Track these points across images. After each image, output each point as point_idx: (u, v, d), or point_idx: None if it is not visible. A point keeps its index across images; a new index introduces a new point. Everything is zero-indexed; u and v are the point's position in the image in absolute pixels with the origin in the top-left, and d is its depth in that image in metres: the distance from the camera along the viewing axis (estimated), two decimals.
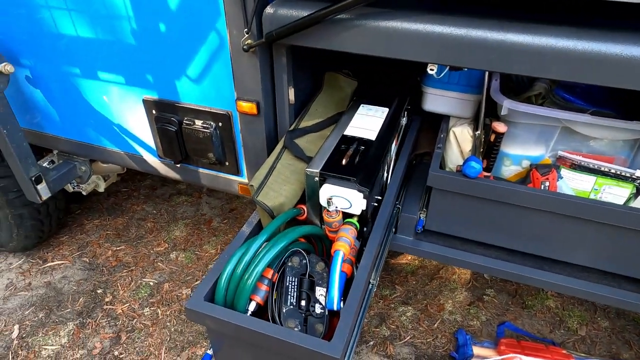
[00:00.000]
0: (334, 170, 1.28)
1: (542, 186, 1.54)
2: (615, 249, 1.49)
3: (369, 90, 1.76)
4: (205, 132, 1.61)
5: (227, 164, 1.73)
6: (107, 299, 2.62)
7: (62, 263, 2.86)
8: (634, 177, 1.47)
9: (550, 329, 2.45)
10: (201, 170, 1.81)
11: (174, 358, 2.31)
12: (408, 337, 2.41)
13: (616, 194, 1.53)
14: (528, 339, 2.36)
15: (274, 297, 1.16)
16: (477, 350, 2.27)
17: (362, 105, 1.62)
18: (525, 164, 1.65)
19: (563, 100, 1.52)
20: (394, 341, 2.40)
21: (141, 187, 3.55)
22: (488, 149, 1.61)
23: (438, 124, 1.92)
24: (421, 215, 1.72)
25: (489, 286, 2.73)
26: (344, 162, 1.32)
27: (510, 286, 2.71)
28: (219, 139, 1.65)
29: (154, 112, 1.70)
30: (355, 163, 1.32)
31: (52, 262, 2.87)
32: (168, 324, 2.48)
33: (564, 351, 2.19)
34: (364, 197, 1.23)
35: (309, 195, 1.34)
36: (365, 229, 1.28)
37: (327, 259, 1.39)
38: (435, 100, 1.83)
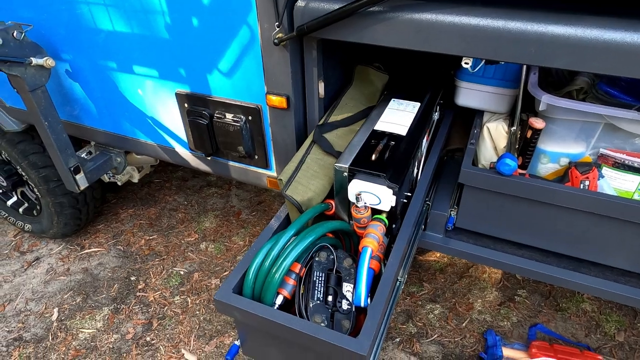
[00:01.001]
0: (363, 166, 1.26)
1: (582, 185, 1.48)
2: None
3: (400, 84, 1.73)
4: (235, 125, 1.63)
5: (256, 157, 1.74)
6: (139, 286, 2.70)
7: (99, 250, 2.97)
8: None
9: (585, 333, 2.36)
10: (231, 163, 1.83)
11: (203, 346, 2.37)
12: (435, 335, 2.38)
13: None
14: (561, 343, 2.28)
15: (301, 291, 1.16)
16: (506, 352, 2.21)
17: (393, 99, 1.59)
18: (564, 161, 1.59)
19: (607, 95, 1.44)
20: (420, 339, 2.37)
21: (173, 178, 3.64)
22: (524, 146, 1.56)
23: (470, 119, 1.87)
24: (452, 212, 1.68)
25: (521, 286, 2.65)
26: (373, 157, 1.31)
27: (543, 287, 2.62)
28: (249, 133, 1.66)
29: (186, 105, 1.73)
30: (385, 159, 1.30)
31: (89, 249, 2.98)
32: (197, 312, 2.54)
33: (600, 357, 2.11)
34: (393, 194, 1.21)
35: (337, 190, 1.33)
36: (394, 225, 1.26)
37: (355, 255, 1.38)
38: (469, 95, 1.78)
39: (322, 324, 1.08)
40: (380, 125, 1.44)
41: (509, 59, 1.11)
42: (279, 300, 1.14)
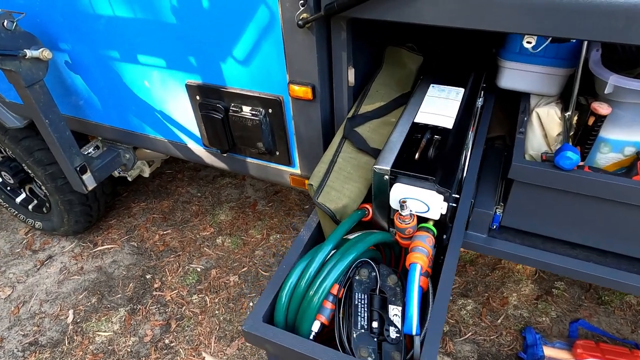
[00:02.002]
0: (407, 168, 1.08)
1: None
2: None
3: (437, 67, 1.53)
4: (254, 119, 1.45)
5: (277, 153, 1.57)
6: (155, 285, 2.59)
7: (112, 247, 2.86)
8: None
9: (631, 328, 2.20)
10: (249, 160, 1.67)
11: (224, 348, 2.26)
12: (469, 334, 2.24)
13: None
14: (607, 340, 2.13)
15: (340, 315, 1.01)
16: (548, 351, 2.07)
17: (432, 85, 1.39)
18: (629, 151, 1.39)
19: None
20: (453, 337, 2.23)
21: (185, 169, 3.49)
22: (584, 134, 1.36)
23: (510, 103, 1.67)
24: (497, 210, 1.51)
25: (558, 278, 2.48)
26: (417, 156, 1.13)
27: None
28: (269, 127, 1.49)
29: (197, 97, 1.55)
30: (431, 157, 1.12)
31: (102, 245, 2.87)
32: (217, 312, 2.43)
33: None
34: (444, 200, 1.04)
35: (375, 195, 1.16)
36: (444, 236, 1.09)
37: (397, 267, 1.22)
38: (515, 76, 1.57)
39: (369, 358, 0.93)
40: (421, 117, 1.25)
41: (589, 36, 0.91)
42: (316, 327, 0.99)
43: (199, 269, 2.68)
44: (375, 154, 1.27)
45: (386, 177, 1.10)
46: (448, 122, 1.22)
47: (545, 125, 1.51)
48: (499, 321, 2.29)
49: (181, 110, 1.66)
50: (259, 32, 1.28)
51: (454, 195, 1.06)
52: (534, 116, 1.53)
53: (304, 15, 1.16)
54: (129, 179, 2.51)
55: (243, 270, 2.65)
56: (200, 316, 2.41)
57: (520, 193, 1.41)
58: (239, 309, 2.43)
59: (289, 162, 1.58)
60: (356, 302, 1.01)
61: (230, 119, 1.50)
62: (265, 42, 1.30)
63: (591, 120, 1.32)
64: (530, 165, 1.32)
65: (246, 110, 1.46)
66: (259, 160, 1.64)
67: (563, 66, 1.48)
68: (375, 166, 1.10)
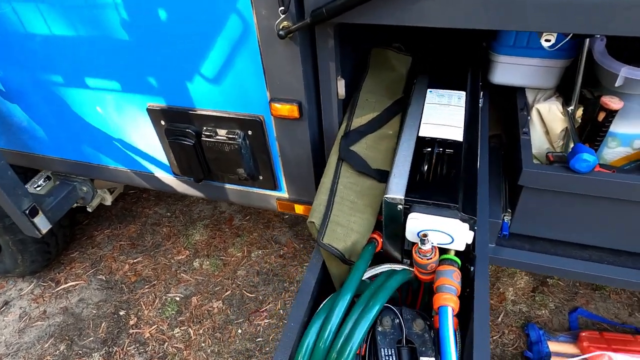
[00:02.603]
0: (423, 194, 0.94)
1: None
2: None
3: (429, 67, 1.38)
4: (231, 143, 1.27)
5: (260, 178, 1.39)
6: (131, 322, 2.36)
7: (77, 283, 2.59)
8: None
9: (629, 311, 2.19)
10: (229, 186, 1.48)
11: None
12: None
13: None
14: (608, 327, 2.10)
15: None
16: (553, 346, 2.02)
17: (429, 90, 1.25)
18: (638, 144, 1.31)
19: None
20: None
21: None
22: (593, 130, 1.26)
23: (503, 99, 1.56)
24: (505, 217, 1.40)
25: None
26: (429, 177, 0.98)
27: None
28: (249, 151, 1.30)
29: (162, 123, 1.34)
30: (446, 178, 0.98)
31: (66, 283, 2.60)
32: (203, 344, 2.23)
33: None
34: (470, 229, 0.90)
35: (386, 225, 1.01)
36: (472, 268, 0.96)
37: (415, 303, 1.08)
38: (509, 70, 1.46)
39: None
40: (426, 130, 1.11)
41: (616, 31, 0.79)
42: None
43: (177, 298, 2.46)
44: (378, 176, 1.11)
45: (400, 207, 0.95)
46: (457, 134, 1.08)
47: (547, 122, 1.41)
48: (500, 319, 2.23)
49: (144, 137, 1.44)
50: (231, 45, 1.09)
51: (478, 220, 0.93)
52: (534, 113, 1.42)
53: (285, 23, 0.99)
54: (89, 209, 2.26)
55: (226, 294, 2.46)
56: (185, 352, 2.21)
57: (530, 198, 1.31)
58: (227, 338, 2.25)
59: (274, 187, 1.41)
60: None
61: (203, 144, 1.30)
62: (238, 56, 1.11)
63: (601, 116, 1.22)
64: (543, 171, 1.21)
65: (222, 134, 1.27)
66: (240, 186, 1.46)
67: (561, 57, 1.38)
68: (387, 196, 0.95)
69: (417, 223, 0.93)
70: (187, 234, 2.83)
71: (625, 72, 1.13)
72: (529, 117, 1.37)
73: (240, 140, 1.26)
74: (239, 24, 1.05)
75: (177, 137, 1.32)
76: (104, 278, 2.61)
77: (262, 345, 2.21)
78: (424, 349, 0.90)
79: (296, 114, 1.14)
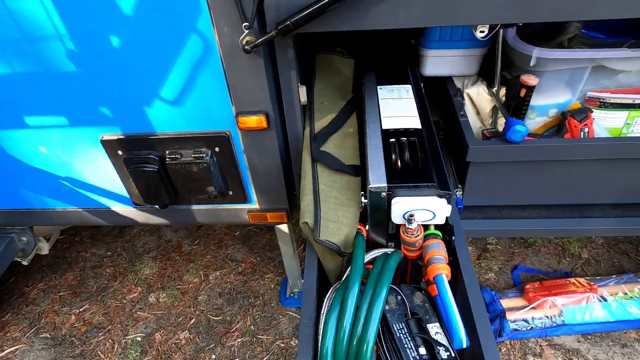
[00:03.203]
0: (402, 179, 1.04)
1: (582, 134, 1.44)
2: None
3: (373, 67, 1.50)
4: (199, 163, 1.26)
5: (230, 193, 1.40)
6: None
7: (17, 348, 2.33)
8: None
9: (557, 260, 2.50)
10: (196, 207, 1.46)
11: None
12: None
13: None
14: (545, 277, 2.39)
15: (385, 352, 0.93)
16: (505, 303, 2.24)
17: (379, 87, 1.36)
18: (553, 112, 1.54)
19: (594, 39, 1.40)
20: None
21: (80, 228, 2.99)
22: (517, 106, 1.47)
23: (435, 89, 1.74)
24: (457, 193, 1.55)
25: None
26: (402, 164, 1.09)
27: None
28: (218, 168, 1.31)
29: (119, 153, 1.30)
30: (417, 162, 1.09)
31: (4, 350, 2.32)
32: None
33: (584, 280, 2.24)
34: (447, 203, 1.02)
35: (371, 213, 1.09)
36: (453, 238, 1.07)
37: (404, 282, 1.18)
38: (437, 63, 1.62)
39: None
40: (387, 123, 1.21)
41: (545, 19, 0.96)
42: None
43: (139, 338, 2.33)
44: (353, 171, 1.19)
45: (383, 194, 1.04)
46: (415, 122, 1.20)
47: (477, 103, 1.59)
48: None
49: (97, 171, 1.37)
50: (192, 65, 1.10)
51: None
52: (465, 98, 1.60)
53: (249, 38, 1.02)
54: (25, 262, 2.05)
55: (191, 322, 2.38)
56: None
57: (478, 172, 1.47)
58: None
59: (244, 200, 1.42)
60: (398, 335, 0.94)
61: (168, 168, 1.28)
62: (201, 75, 1.12)
63: (523, 92, 1.42)
64: (486, 146, 1.37)
65: (187, 154, 1.26)
66: (208, 205, 1.45)
67: (480, 46, 1.57)
68: (371, 186, 1.03)
69: (401, 206, 1.02)
70: (135, 270, 2.68)
71: (537, 52, 1.34)
72: (463, 102, 1.54)
73: (208, 158, 1.26)
74: (200, 44, 1.06)
75: (138, 165, 1.28)
76: (48, 335, 2.38)
77: None
78: (427, 317, 0.99)
79: (264, 124, 1.18)
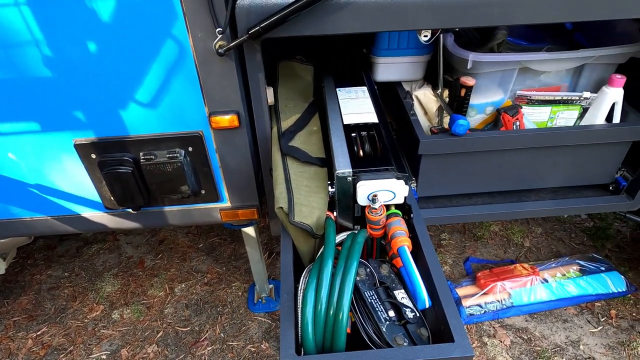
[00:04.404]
0: (365, 165, 1.17)
1: (514, 126, 1.65)
2: (576, 163, 1.68)
3: (329, 73, 1.64)
4: (174, 163, 1.33)
5: (203, 192, 1.46)
6: None
7: None
8: (581, 98, 1.66)
9: (503, 250, 2.74)
10: (168, 209, 1.51)
11: None
12: None
13: (568, 117, 1.72)
14: (493, 266, 2.60)
15: (360, 317, 1.04)
16: (460, 291, 2.42)
17: (338, 89, 1.50)
18: (489, 110, 1.75)
19: (517, 45, 1.63)
20: None
21: (33, 251, 2.89)
22: (459, 104, 1.66)
23: (385, 94, 1.91)
24: (412, 185, 1.71)
25: (441, 231, 2.92)
26: (366, 152, 1.22)
27: (457, 225, 2.93)
28: (191, 167, 1.38)
29: (93, 156, 1.34)
30: (377, 150, 1.22)
31: None
32: None
33: (527, 265, 2.47)
34: (405, 183, 1.16)
35: (339, 198, 1.21)
36: (412, 215, 1.21)
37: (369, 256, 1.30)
38: (388, 69, 1.80)
39: (405, 343, 0.98)
40: (348, 119, 1.35)
41: (475, 23, 1.14)
42: None
43: (104, 357, 2.28)
44: (320, 162, 1.31)
45: (349, 178, 1.16)
46: (372, 118, 1.35)
47: (424, 104, 1.77)
48: None
49: (69, 176, 1.40)
50: (167, 69, 1.19)
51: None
52: (413, 99, 1.78)
53: (222, 42, 1.13)
54: None
55: (159, 335, 2.36)
56: None
57: (429, 165, 1.64)
58: None
59: (217, 198, 1.49)
60: (370, 301, 1.05)
61: (143, 169, 1.33)
62: (174, 78, 1.21)
63: (463, 92, 1.61)
64: (435, 139, 1.54)
65: (162, 155, 1.33)
66: (181, 205, 1.50)
67: (423, 54, 1.76)
68: (338, 172, 1.15)
69: (365, 188, 1.15)
70: (96, 289, 2.62)
71: (473, 56, 1.54)
72: (412, 103, 1.71)
73: (182, 158, 1.33)
74: (175, 48, 1.15)
75: (112, 167, 1.33)
76: None
77: None
78: (394, 285, 1.11)
79: (236, 123, 1.28)
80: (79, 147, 1.32)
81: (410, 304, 1.07)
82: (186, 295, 2.55)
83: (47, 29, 1.10)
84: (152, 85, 1.22)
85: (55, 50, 1.13)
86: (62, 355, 2.28)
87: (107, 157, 1.33)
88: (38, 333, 2.39)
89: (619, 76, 1.54)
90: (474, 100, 1.71)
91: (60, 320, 2.45)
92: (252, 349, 2.27)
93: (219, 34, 1.10)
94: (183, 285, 2.62)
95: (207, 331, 2.37)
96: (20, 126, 1.27)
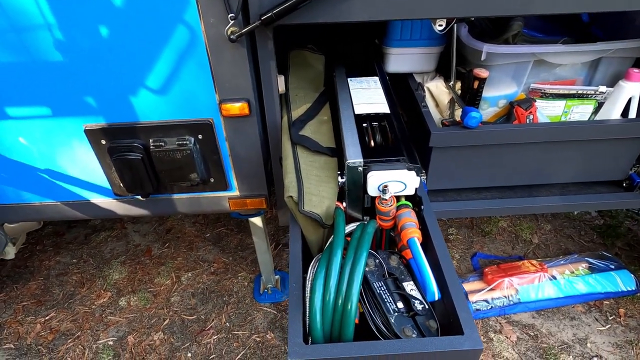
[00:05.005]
0: (376, 155, 1.15)
1: (527, 120, 1.62)
2: (589, 159, 1.66)
3: (343, 62, 1.63)
4: (183, 150, 1.32)
5: (212, 180, 1.46)
6: None
7: None
8: (597, 92, 1.63)
9: (511, 246, 2.71)
10: (177, 196, 1.51)
11: None
12: None
13: (582, 112, 1.69)
14: (501, 261, 2.58)
15: (368, 308, 1.03)
16: (467, 286, 2.41)
17: (349, 79, 1.49)
18: (502, 103, 1.72)
19: (533, 37, 1.60)
20: None
21: (42, 237, 2.91)
22: (471, 97, 1.63)
23: (397, 85, 1.89)
24: (422, 178, 1.69)
25: (449, 225, 2.90)
26: (375, 143, 1.21)
27: (465, 220, 2.91)
28: (200, 155, 1.37)
29: (103, 142, 1.34)
30: (388, 140, 1.21)
31: None
32: None
33: (535, 261, 2.45)
34: (417, 175, 1.14)
35: (349, 188, 1.20)
36: (422, 207, 1.20)
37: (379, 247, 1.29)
38: (400, 60, 1.78)
39: (413, 335, 0.97)
40: (359, 109, 1.34)
41: (493, 13, 1.12)
42: None
43: (111, 342, 2.30)
44: (330, 152, 1.30)
45: (360, 168, 1.15)
46: (384, 108, 1.33)
47: (436, 96, 1.75)
48: None
49: (79, 162, 1.40)
50: (178, 55, 1.18)
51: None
52: (425, 91, 1.75)
53: (233, 29, 1.12)
54: None
55: (165, 323, 2.38)
56: None
57: (439, 157, 1.62)
58: None
59: (225, 187, 1.49)
60: (379, 292, 1.04)
61: (153, 156, 1.33)
62: (185, 64, 1.20)
63: (476, 84, 1.59)
64: (447, 131, 1.52)
65: (172, 142, 1.32)
66: (189, 193, 1.50)
67: (436, 45, 1.74)
68: (348, 162, 1.14)
69: (376, 179, 1.14)
70: (104, 276, 2.64)
71: (487, 48, 1.51)
72: (423, 94, 1.69)
73: (191, 145, 1.33)
74: (186, 34, 1.14)
75: (122, 153, 1.32)
76: (12, 346, 2.30)
77: None
78: (403, 276, 1.10)
79: (247, 111, 1.27)
80: (89, 133, 1.32)
81: (419, 296, 1.06)
82: (192, 284, 2.56)
83: (60, 12, 1.09)
84: (163, 72, 1.21)
85: (67, 35, 1.13)
86: (69, 340, 2.30)
87: (117, 143, 1.33)
88: (46, 318, 2.41)
89: (636, 70, 1.51)
90: (487, 92, 1.69)
91: (68, 306, 2.47)
92: (257, 339, 2.27)
93: (231, 20, 1.09)
94: (190, 274, 2.63)
95: (212, 320, 2.38)
96: (31, 111, 1.27)
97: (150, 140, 1.32)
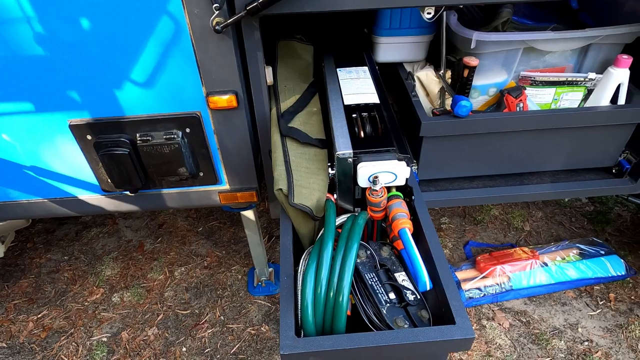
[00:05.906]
0: (366, 146, 1.14)
1: (518, 108, 1.62)
2: (579, 146, 1.66)
3: (332, 52, 1.61)
4: (171, 144, 1.30)
5: (201, 174, 1.44)
6: None
7: None
8: (586, 79, 1.63)
9: (503, 234, 2.73)
10: (166, 191, 1.49)
11: None
12: None
13: (572, 99, 1.69)
14: (493, 249, 2.60)
15: (359, 299, 1.03)
16: (460, 275, 2.42)
17: (338, 69, 1.47)
18: (492, 91, 1.72)
19: (519, 24, 1.59)
20: None
21: (32, 234, 2.88)
22: (461, 85, 1.63)
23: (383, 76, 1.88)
24: (413, 168, 1.69)
25: (441, 215, 2.91)
26: (367, 133, 1.20)
27: (457, 209, 2.92)
28: (189, 149, 1.35)
29: (88, 137, 1.31)
30: (378, 131, 1.20)
31: None
32: None
33: (527, 248, 2.47)
34: (407, 165, 1.14)
35: (340, 180, 1.19)
36: (413, 197, 1.19)
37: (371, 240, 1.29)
38: (389, 49, 1.76)
39: (405, 325, 0.97)
40: (349, 99, 1.32)
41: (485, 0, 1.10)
42: None
43: (105, 339, 2.29)
44: (320, 143, 1.29)
45: (350, 159, 1.14)
46: (373, 98, 1.32)
47: (426, 85, 1.74)
48: None
49: (64, 158, 1.37)
50: (163, 47, 1.15)
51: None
52: (415, 80, 1.74)
53: (218, 19, 1.09)
54: None
55: (159, 318, 2.37)
56: None
57: (430, 147, 1.62)
58: None
59: (215, 181, 1.47)
60: (370, 283, 1.04)
61: (140, 150, 1.31)
62: (171, 56, 1.18)
63: (466, 73, 1.58)
64: (437, 120, 1.52)
65: (159, 136, 1.30)
66: (179, 188, 1.48)
67: (426, 33, 1.72)
68: (338, 153, 1.13)
69: (366, 170, 1.13)
70: (96, 272, 2.62)
71: (476, 35, 1.50)
72: (413, 84, 1.68)
73: (179, 139, 1.31)
74: (170, 26, 1.12)
75: (109, 148, 1.30)
76: (5, 345, 2.28)
77: (212, 355, 2.20)
78: (394, 267, 1.10)
79: (234, 104, 1.25)
80: (74, 128, 1.30)
81: (411, 286, 1.06)
82: (186, 279, 2.56)
83: (39, 4, 1.06)
84: (147, 64, 1.18)
85: (47, 28, 1.10)
86: (62, 338, 2.29)
87: (103, 138, 1.31)
88: (39, 316, 2.40)
89: (625, 56, 1.51)
90: (477, 81, 1.68)
91: (61, 303, 2.45)
92: (252, 332, 2.27)
93: (216, 10, 1.07)
94: (183, 269, 2.62)
95: (207, 314, 2.37)
96: (13, 106, 1.24)
97: (137, 135, 1.30)
